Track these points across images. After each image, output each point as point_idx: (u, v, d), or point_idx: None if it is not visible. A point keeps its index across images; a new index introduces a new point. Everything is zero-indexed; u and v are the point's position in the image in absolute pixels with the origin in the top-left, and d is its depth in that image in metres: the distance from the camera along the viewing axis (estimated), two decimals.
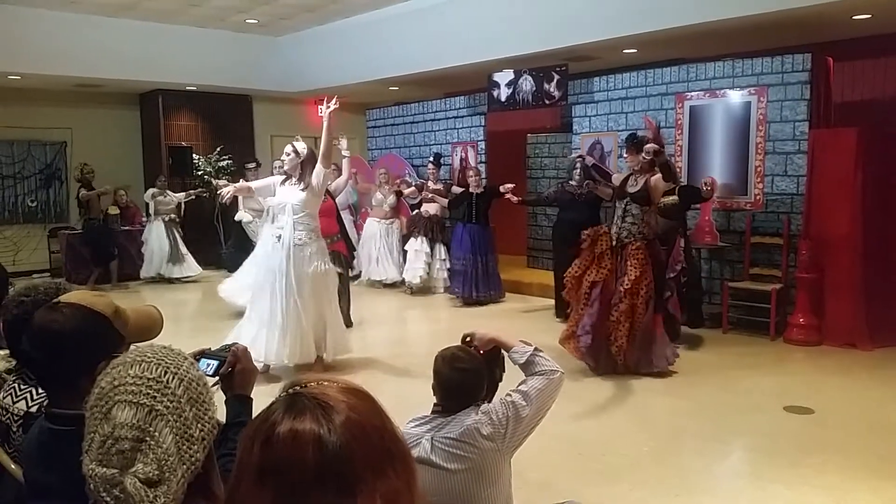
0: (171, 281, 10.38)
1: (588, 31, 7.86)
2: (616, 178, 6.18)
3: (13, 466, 1.83)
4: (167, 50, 10.64)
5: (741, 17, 6.71)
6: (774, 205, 6.90)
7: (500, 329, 2.65)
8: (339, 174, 7.59)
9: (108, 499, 1.11)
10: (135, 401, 1.14)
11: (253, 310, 5.56)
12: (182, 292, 9.97)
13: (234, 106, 12.39)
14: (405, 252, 9.42)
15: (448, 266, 9.01)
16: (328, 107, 5.48)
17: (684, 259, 6.22)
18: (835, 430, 4.41)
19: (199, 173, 11.60)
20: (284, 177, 5.62)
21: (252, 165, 10.40)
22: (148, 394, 1.15)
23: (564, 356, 5.40)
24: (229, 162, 11.66)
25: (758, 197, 6.98)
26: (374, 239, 9.65)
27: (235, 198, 7.92)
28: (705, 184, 6.34)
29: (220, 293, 7.67)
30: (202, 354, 1.74)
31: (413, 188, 9.57)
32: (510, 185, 7.85)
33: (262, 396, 1.35)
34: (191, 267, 10.53)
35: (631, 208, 5.59)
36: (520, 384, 2.44)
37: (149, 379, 1.17)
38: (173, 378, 1.19)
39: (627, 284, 5.38)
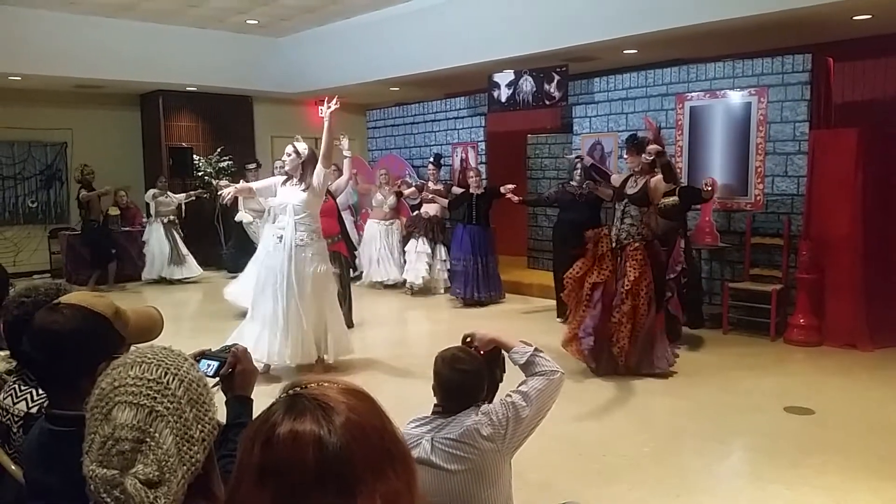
0: (172, 282, 10.38)
1: (588, 31, 7.86)
2: (616, 179, 6.19)
3: (13, 467, 1.83)
4: (167, 51, 10.65)
5: (741, 17, 6.71)
6: (775, 205, 6.90)
7: (500, 330, 2.65)
8: (340, 174, 7.59)
9: (108, 500, 1.11)
10: (135, 402, 1.14)
11: (255, 310, 5.57)
12: (182, 293, 9.97)
13: (234, 107, 12.39)
14: (405, 253, 9.42)
15: (448, 267, 9.02)
16: (329, 107, 5.49)
17: (684, 260, 6.21)
18: (835, 430, 4.41)
19: (200, 174, 11.60)
20: (285, 177, 5.62)
21: (252, 166, 10.42)
22: (148, 395, 1.15)
23: (564, 357, 5.40)
24: (230, 163, 11.67)
25: (758, 197, 6.98)
26: (375, 240, 9.65)
27: (236, 198, 7.94)
28: (706, 184, 6.34)
29: (225, 296, 7.68)
30: (202, 355, 1.74)
31: (413, 189, 9.57)
32: (511, 186, 7.86)
33: (263, 397, 1.36)
34: (192, 268, 10.54)
35: (630, 209, 5.59)
36: (520, 385, 2.44)
37: (149, 380, 1.17)
38: (174, 379, 1.19)
39: (627, 285, 5.38)
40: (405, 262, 9.37)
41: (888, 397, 5.02)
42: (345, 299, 6.57)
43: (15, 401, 1.92)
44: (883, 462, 3.90)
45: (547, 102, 8.93)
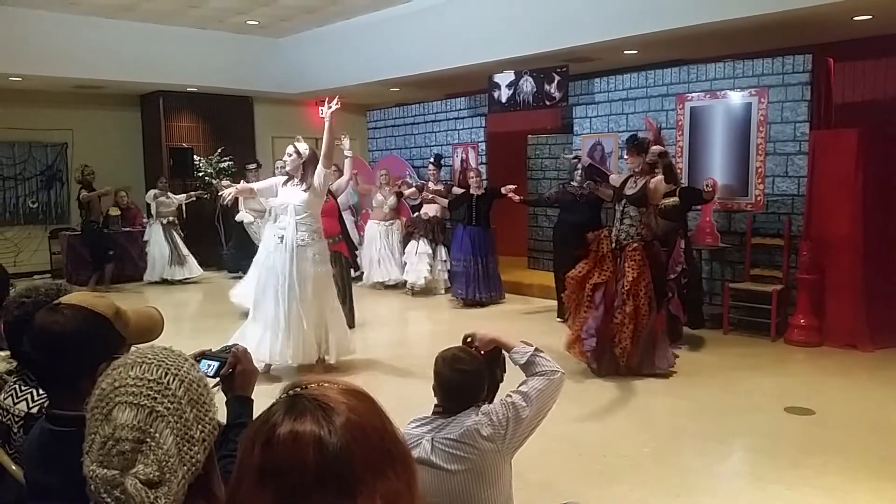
0: (172, 283, 10.38)
1: (588, 32, 7.86)
2: (615, 180, 6.18)
3: (14, 467, 1.83)
4: (168, 51, 10.65)
5: (742, 17, 6.71)
6: (775, 206, 6.89)
7: (500, 330, 2.65)
8: (340, 175, 7.59)
9: (108, 500, 1.11)
10: (135, 402, 1.14)
11: (257, 311, 5.57)
12: (183, 293, 9.97)
13: (234, 107, 12.39)
14: (405, 254, 9.42)
15: (449, 267, 9.02)
16: (329, 107, 5.49)
17: (685, 260, 6.22)
18: (835, 431, 4.41)
19: (200, 174, 11.60)
20: (286, 178, 5.63)
21: (253, 166, 10.42)
22: (148, 395, 1.15)
23: (565, 357, 5.41)
24: (230, 163, 11.67)
25: (758, 198, 6.98)
26: (376, 241, 9.64)
27: (236, 199, 7.93)
28: (706, 185, 6.34)
29: (231, 298, 7.69)
30: (203, 356, 1.74)
31: (413, 189, 9.58)
32: (512, 186, 7.86)
33: (263, 397, 1.36)
34: (192, 268, 10.54)
35: (629, 210, 5.59)
36: (520, 385, 2.44)
37: (149, 380, 1.17)
38: (174, 379, 1.19)
39: (626, 286, 5.39)
40: (405, 262, 9.37)
41: (888, 398, 5.02)
42: (346, 300, 6.58)
43: (15, 401, 1.92)
44: (883, 462, 3.90)
45: (547, 103, 8.93)
